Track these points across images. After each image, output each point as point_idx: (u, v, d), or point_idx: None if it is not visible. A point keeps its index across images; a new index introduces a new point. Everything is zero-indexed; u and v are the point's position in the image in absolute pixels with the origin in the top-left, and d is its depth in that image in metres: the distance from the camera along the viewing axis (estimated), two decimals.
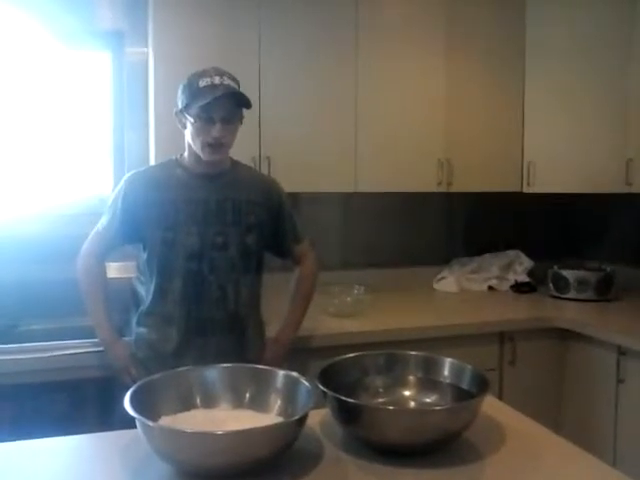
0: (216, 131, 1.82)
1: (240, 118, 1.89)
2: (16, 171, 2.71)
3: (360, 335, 2.43)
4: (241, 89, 1.87)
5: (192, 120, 1.83)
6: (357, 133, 2.81)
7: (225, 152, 1.92)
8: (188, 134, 1.89)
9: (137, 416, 1.20)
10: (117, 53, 2.80)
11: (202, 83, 1.81)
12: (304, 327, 2.22)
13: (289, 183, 2.20)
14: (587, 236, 3.52)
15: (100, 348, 2.05)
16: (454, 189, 2.97)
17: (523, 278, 3.25)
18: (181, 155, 1.98)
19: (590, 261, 3.26)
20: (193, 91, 1.82)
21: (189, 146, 1.92)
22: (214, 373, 1.49)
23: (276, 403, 1.43)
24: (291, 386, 1.42)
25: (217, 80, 1.81)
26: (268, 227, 2.01)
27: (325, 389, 1.37)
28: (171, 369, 1.51)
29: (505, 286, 3.27)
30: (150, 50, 2.59)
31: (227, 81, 1.83)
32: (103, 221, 1.99)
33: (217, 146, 1.85)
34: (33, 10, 2.61)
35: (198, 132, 1.84)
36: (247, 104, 1.86)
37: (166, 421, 1.32)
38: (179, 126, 1.92)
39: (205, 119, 1.82)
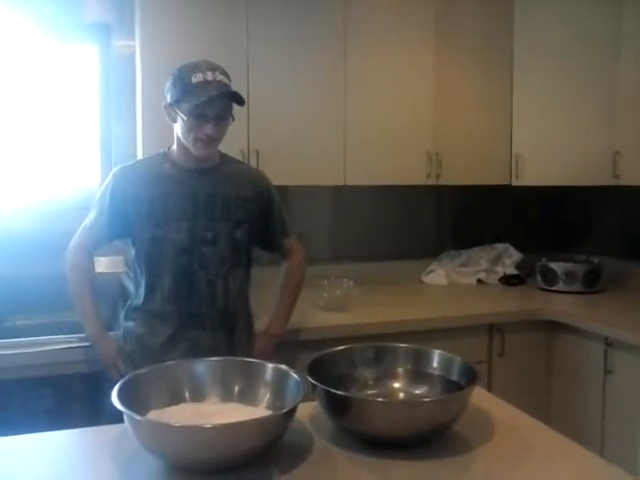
0: (209, 129, 1.80)
1: (231, 113, 1.88)
2: (2, 165, 2.68)
3: (349, 328, 2.43)
4: (230, 82, 1.85)
5: (184, 117, 1.80)
6: (346, 126, 2.81)
7: (215, 146, 1.90)
8: (178, 128, 1.87)
9: (125, 410, 1.19)
10: (104, 46, 2.78)
11: (195, 79, 1.77)
12: (294, 320, 2.22)
13: (278, 176, 2.19)
14: (575, 228, 3.54)
15: (87, 343, 2.04)
16: (443, 181, 2.97)
17: (512, 271, 3.26)
18: (169, 148, 1.96)
19: (578, 253, 3.28)
20: (185, 87, 1.78)
21: (178, 139, 1.90)
22: (203, 367, 1.48)
23: (265, 396, 1.42)
24: (280, 379, 1.42)
25: (210, 76, 1.78)
26: (257, 221, 2.00)
27: (314, 382, 1.36)
28: (159, 363, 1.50)
29: (494, 279, 3.27)
30: (137, 43, 2.56)
31: (219, 77, 1.80)
32: (91, 216, 1.97)
33: (208, 141, 1.84)
34: (19, 4, 2.58)
35: (190, 129, 1.81)
36: (240, 101, 1.84)
37: (154, 415, 1.31)
38: (168, 119, 1.89)
39: (198, 116, 1.79)
